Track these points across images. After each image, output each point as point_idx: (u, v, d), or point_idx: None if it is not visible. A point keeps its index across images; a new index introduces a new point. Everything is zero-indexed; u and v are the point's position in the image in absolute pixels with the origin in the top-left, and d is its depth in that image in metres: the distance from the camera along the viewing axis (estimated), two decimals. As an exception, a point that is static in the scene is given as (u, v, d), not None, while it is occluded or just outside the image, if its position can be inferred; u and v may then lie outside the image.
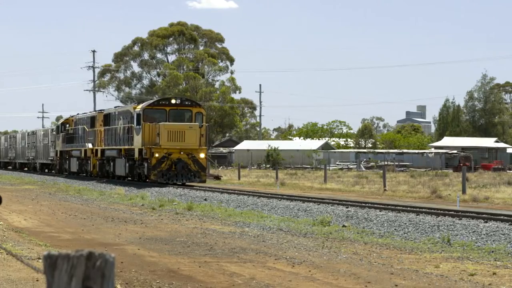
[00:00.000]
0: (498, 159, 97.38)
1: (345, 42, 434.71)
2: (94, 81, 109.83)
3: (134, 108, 44.90)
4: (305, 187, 44.92)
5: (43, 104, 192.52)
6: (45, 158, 70.99)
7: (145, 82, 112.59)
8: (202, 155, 42.05)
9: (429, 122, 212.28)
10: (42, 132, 73.29)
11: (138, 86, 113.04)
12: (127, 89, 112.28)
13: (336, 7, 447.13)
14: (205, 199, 31.70)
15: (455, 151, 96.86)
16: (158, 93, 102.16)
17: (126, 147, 45.66)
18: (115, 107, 54.67)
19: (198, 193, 35.19)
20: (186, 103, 44.28)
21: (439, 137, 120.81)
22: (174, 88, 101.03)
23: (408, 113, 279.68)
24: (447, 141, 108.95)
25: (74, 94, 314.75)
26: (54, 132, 66.88)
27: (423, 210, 24.65)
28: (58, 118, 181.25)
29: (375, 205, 26.75)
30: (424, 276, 13.16)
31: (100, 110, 56.57)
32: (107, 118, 50.93)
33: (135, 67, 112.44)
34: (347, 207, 26.31)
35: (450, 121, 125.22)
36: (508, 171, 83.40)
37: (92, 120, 54.73)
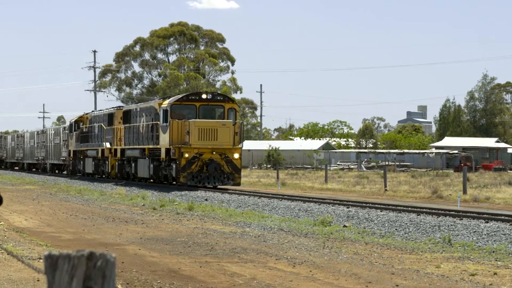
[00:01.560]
0: (499, 159, 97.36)
1: (346, 42, 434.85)
2: (95, 81, 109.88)
3: (160, 104, 41.29)
4: (306, 187, 44.92)
5: (44, 104, 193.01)
6: (57, 159, 66.91)
7: (146, 82, 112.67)
8: (236, 156, 38.64)
9: (430, 122, 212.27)
10: (53, 131, 69.25)
11: (139, 86, 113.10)
12: (128, 89, 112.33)
13: (337, 7, 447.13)
14: (206, 199, 31.70)
15: (456, 151, 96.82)
16: (159, 93, 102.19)
17: (151, 146, 41.94)
18: (135, 103, 50.97)
19: (199, 193, 35.18)
20: (218, 98, 40.35)
21: (440, 137, 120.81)
22: (175, 88, 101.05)
23: (409, 113, 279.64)
24: (448, 141, 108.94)
25: (75, 94, 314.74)
26: (66, 131, 62.60)
27: (424, 210, 24.64)
28: (59, 118, 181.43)
29: (376, 205, 26.74)
30: (425, 276, 13.16)
31: (119, 106, 53.22)
32: (127, 115, 47.20)
33: (136, 67, 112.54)
34: (348, 207, 26.30)
35: (451, 121, 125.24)
36: (509, 171, 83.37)
37: (110, 118, 50.91)
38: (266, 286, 12.07)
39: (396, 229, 20.61)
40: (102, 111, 55.04)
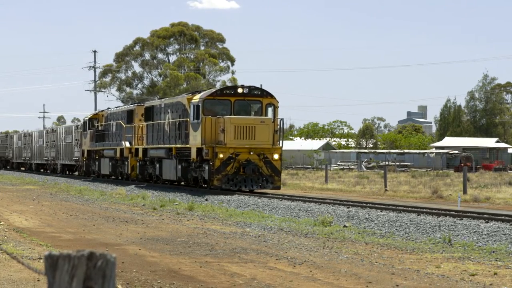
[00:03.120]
0: (499, 159, 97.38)
1: (346, 42, 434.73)
2: (95, 81, 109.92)
3: (189, 99, 37.65)
4: (306, 187, 44.92)
5: (44, 104, 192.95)
6: (68, 159, 62.99)
7: (146, 82, 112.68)
8: (276, 156, 35.01)
9: (430, 122, 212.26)
10: (64, 130, 65.21)
11: (139, 86, 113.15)
12: (128, 89, 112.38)
13: (337, 7, 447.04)
14: (206, 199, 31.70)
15: (456, 151, 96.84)
16: (159, 93, 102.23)
17: (179, 145, 38.44)
18: (159, 98, 45.88)
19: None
20: (255, 92, 36.43)
21: (440, 137, 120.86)
22: (175, 89, 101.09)
23: (409, 113, 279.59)
24: (448, 141, 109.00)
25: (75, 94, 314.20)
26: (79, 129, 58.87)
27: (424, 210, 24.64)
28: (59, 118, 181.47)
29: (376, 205, 26.74)
30: (425, 276, 13.16)
31: (139, 102, 49.79)
32: (150, 111, 43.71)
33: (136, 67, 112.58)
34: (348, 207, 26.30)
35: (451, 121, 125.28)
36: (509, 171, 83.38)
37: (130, 115, 47.30)
38: (266, 286, 12.07)
39: (396, 229, 20.62)
40: (119, 107, 52.05)
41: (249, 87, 36.50)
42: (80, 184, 46.29)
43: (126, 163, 47.67)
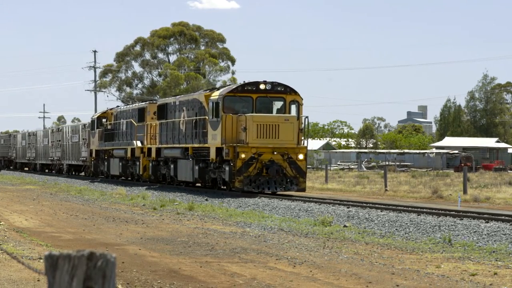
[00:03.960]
0: (499, 159, 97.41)
1: (346, 42, 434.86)
2: (95, 81, 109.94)
3: (207, 96, 35.75)
4: (306, 187, 44.88)
5: (44, 104, 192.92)
6: (75, 159, 60.95)
7: (146, 82, 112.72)
8: (300, 156, 33.15)
9: (430, 122, 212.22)
10: (71, 129, 63.28)
11: (139, 86, 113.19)
12: (128, 89, 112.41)
13: (337, 7, 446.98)
14: (206, 199, 31.70)
15: (456, 151, 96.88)
16: (159, 93, 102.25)
17: (196, 145, 36.63)
18: (174, 96, 44.73)
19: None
20: (278, 88, 34.42)
21: (440, 137, 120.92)
22: (175, 88, 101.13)
23: (409, 113, 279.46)
24: (448, 141, 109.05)
25: (75, 94, 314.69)
26: (87, 129, 56.92)
27: (424, 210, 24.64)
28: (59, 118, 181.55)
29: (376, 205, 26.74)
30: (425, 276, 13.17)
31: (151, 100, 47.86)
32: (163, 109, 41.61)
33: (137, 67, 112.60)
34: (348, 207, 26.31)
35: (451, 121, 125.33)
36: (509, 171, 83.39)
37: (141, 113, 45.61)
38: (267, 286, 12.07)
39: (396, 229, 20.62)
40: (130, 105, 49.49)
41: (272, 83, 34.56)
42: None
43: (138, 163, 45.97)
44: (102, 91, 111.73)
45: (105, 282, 2.93)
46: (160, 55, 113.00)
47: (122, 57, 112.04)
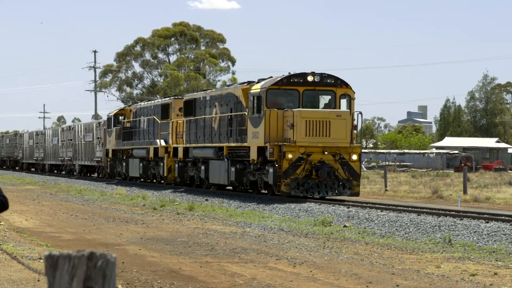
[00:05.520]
0: (499, 159, 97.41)
1: (346, 42, 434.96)
2: (95, 81, 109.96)
3: (246, 89, 32.22)
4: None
5: (44, 104, 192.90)
6: (88, 159, 57.00)
7: (147, 82, 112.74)
8: (354, 157, 29.62)
9: (430, 122, 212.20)
10: (84, 127, 59.30)
11: (139, 86, 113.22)
12: (128, 89, 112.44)
13: (337, 7, 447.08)
14: (206, 199, 31.70)
15: (456, 151, 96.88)
16: (160, 93, 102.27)
17: (233, 144, 32.89)
18: (203, 90, 41.46)
19: (200, 193, 35.08)
20: (328, 80, 30.80)
21: (440, 137, 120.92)
22: (175, 89, 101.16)
23: (409, 113, 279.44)
24: (448, 141, 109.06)
25: (75, 94, 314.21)
26: (103, 127, 53.21)
27: (424, 210, 24.64)
28: (59, 118, 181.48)
29: (376, 205, 26.74)
30: (426, 276, 13.17)
31: (176, 95, 44.79)
32: (190, 105, 37.82)
33: (137, 67, 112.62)
34: (348, 207, 26.30)
35: (451, 121, 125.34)
36: (509, 171, 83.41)
37: (165, 109, 42.00)
38: (267, 286, 12.07)
39: (396, 229, 20.62)
40: (151, 101, 46.30)
41: (320, 74, 30.92)
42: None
43: (162, 164, 42.08)
44: (102, 91, 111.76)
45: (105, 282, 2.93)
46: (160, 55, 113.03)
47: (122, 57, 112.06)
